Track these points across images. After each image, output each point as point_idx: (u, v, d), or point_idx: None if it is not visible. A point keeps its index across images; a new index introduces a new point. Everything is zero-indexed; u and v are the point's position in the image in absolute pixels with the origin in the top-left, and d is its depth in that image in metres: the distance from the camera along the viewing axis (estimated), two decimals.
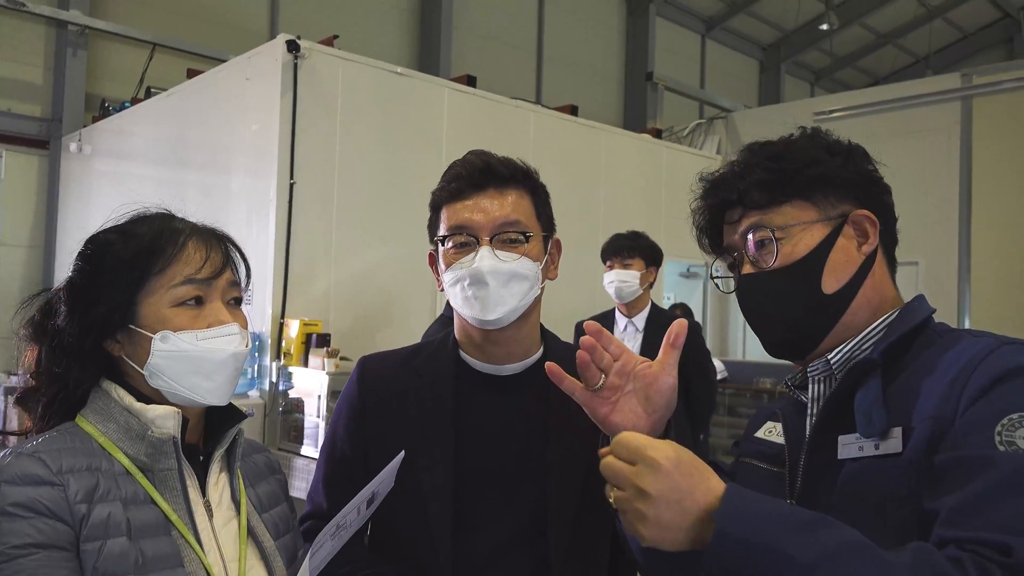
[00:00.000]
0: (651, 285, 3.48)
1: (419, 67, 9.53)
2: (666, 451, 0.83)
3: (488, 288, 1.23)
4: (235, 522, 1.11)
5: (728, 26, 14.89)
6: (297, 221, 4.91)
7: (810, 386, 1.05)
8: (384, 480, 1.10)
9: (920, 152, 6.61)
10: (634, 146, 7.36)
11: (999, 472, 0.79)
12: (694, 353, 3.42)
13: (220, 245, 1.12)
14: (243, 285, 1.14)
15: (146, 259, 1.06)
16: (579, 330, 3.69)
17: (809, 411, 1.05)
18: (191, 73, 6.60)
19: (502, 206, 1.28)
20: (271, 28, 9.01)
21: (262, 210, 4.97)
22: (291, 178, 4.94)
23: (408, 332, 5.46)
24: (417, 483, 1.26)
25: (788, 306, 1.04)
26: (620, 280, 3.40)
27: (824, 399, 1.03)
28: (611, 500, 0.85)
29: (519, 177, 1.31)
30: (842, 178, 1.05)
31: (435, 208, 1.35)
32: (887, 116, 6.85)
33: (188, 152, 5.96)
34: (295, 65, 4.92)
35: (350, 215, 5.22)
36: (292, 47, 4.86)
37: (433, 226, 1.36)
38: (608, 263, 3.49)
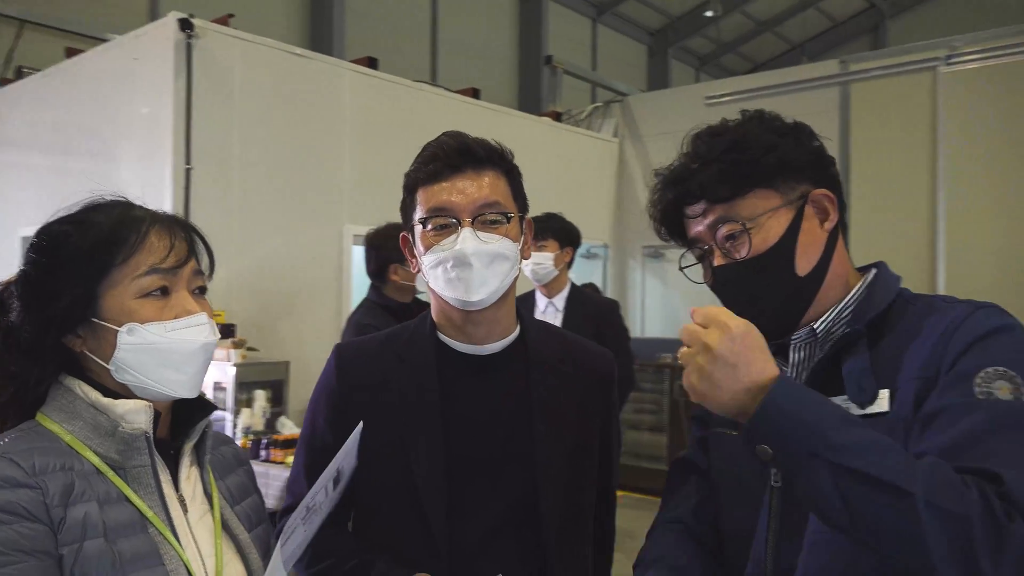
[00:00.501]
0: (568, 265, 3.54)
1: (312, 49, 9.28)
2: (738, 322, 0.90)
3: (472, 269, 1.23)
4: (209, 516, 1.08)
5: (618, 11, 15.20)
6: (195, 208, 4.71)
7: (792, 353, 1.10)
8: (347, 456, 1.09)
9: None
10: (536, 129, 7.44)
11: (981, 416, 0.87)
12: (614, 331, 3.52)
13: (183, 233, 1.07)
14: (206, 274, 1.10)
15: (108, 249, 1.01)
16: None
17: (792, 374, 1.10)
18: (70, 52, 6.19)
19: (480, 187, 1.27)
20: (152, 6, 8.56)
21: (157, 198, 4.74)
22: (187, 163, 4.74)
23: (314, 320, 5.36)
24: (408, 472, 1.25)
25: (768, 293, 1.08)
26: (535, 262, 3.43)
27: (811, 365, 1.08)
28: (679, 359, 0.93)
29: (495, 159, 1.31)
30: (797, 160, 1.09)
31: (410, 190, 1.33)
32: (773, 100, 7.18)
33: (71, 138, 5.61)
34: (188, 45, 4.71)
35: (251, 201, 5.06)
36: (185, 26, 4.65)
37: (408, 208, 1.34)
38: None
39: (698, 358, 0.90)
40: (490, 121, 6.86)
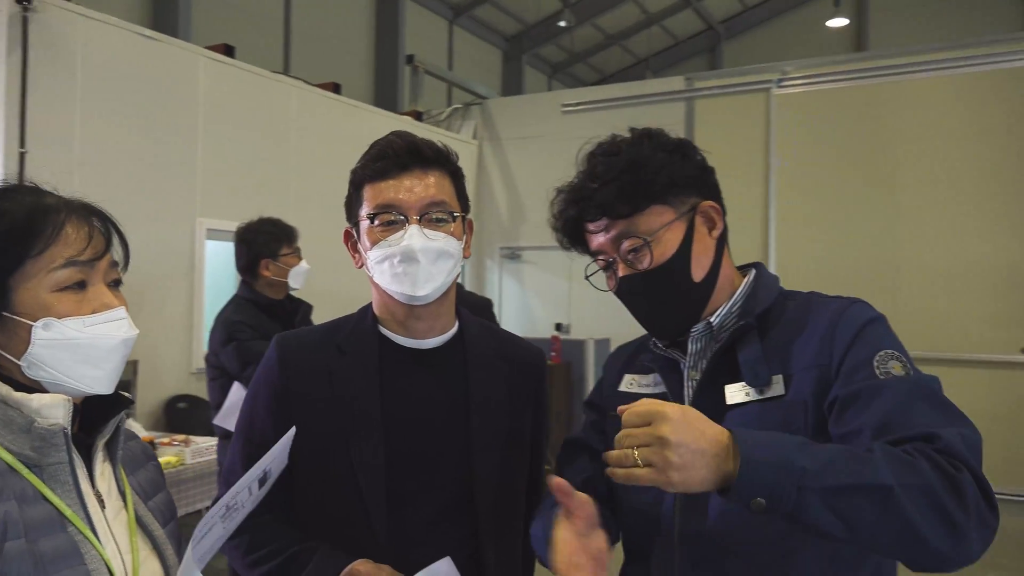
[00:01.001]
0: None
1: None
2: (671, 406, 0.93)
3: (419, 265, 1.26)
4: (124, 513, 1.05)
5: (475, 15, 15.38)
6: None
7: (689, 344, 1.22)
8: (277, 457, 1.09)
9: None
10: (396, 128, 7.41)
11: (892, 392, 1.00)
12: None
13: (100, 223, 1.04)
14: (121, 265, 1.07)
15: (22, 240, 0.96)
16: None
17: (687, 365, 1.22)
18: None
19: (427, 187, 1.30)
20: None
21: None
22: (21, 147, 4.37)
23: (164, 318, 5.09)
24: (348, 462, 1.26)
25: (670, 299, 1.20)
26: None
27: (709, 355, 1.19)
28: (637, 460, 0.91)
29: (441, 160, 1.34)
30: (685, 176, 1.21)
31: (356, 186, 1.34)
32: (624, 111, 7.55)
33: None
34: (24, 19, 4.35)
35: (93, 191, 4.56)
36: None
37: (353, 204, 1.35)
38: None
39: (664, 452, 0.89)
40: (351, 117, 6.77)
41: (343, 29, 12.57)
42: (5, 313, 0.96)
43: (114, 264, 1.05)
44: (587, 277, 1.28)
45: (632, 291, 1.21)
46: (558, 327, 7.66)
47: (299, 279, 3.19)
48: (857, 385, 1.03)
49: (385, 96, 12.52)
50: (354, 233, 1.37)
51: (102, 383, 1.00)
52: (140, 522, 1.06)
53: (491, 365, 1.40)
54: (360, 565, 1.21)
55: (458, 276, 1.36)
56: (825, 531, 0.90)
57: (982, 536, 0.89)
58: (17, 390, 0.96)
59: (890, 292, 5.96)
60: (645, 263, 1.18)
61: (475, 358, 1.39)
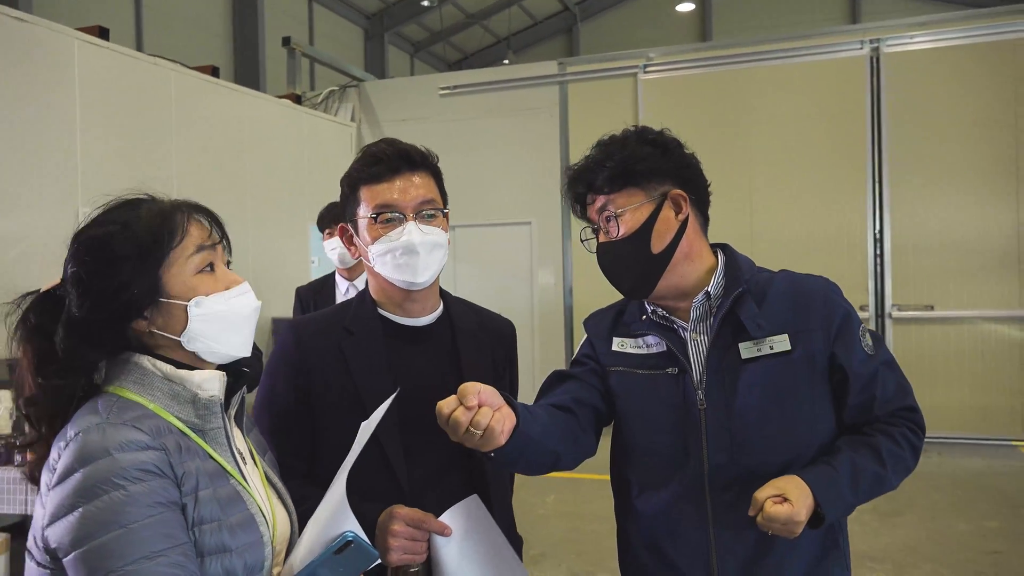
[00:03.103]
0: None
1: None
2: (799, 509, 1.29)
3: (419, 256, 1.47)
4: (255, 468, 1.24)
5: None
6: None
7: (692, 311, 1.48)
8: (379, 418, 1.28)
9: (529, 127, 7.75)
10: (276, 111, 7.36)
11: (882, 377, 1.45)
12: None
13: (207, 216, 1.21)
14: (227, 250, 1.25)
15: (162, 236, 1.13)
16: (296, 295, 3.82)
17: (691, 328, 1.48)
18: None
19: (418, 187, 1.51)
20: None
21: None
22: None
23: None
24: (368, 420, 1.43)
25: (630, 263, 1.47)
26: (343, 247, 3.58)
27: (717, 319, 1.45)
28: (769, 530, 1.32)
29: (426, 163, 1.55)
30: (661, 167, 1.47)
31: (352, 188, 1.54)
32: (501, 95, 7.85)
33: None
34: None
35: None
36: None
37: (350, 203, 1.55)
38: (328, 231, 3.68)
39: (794, 529, 1.30)
40: (229, 100, 6.68)
41: (197, 3, 12.08)
42: (162, 299, 1.13)
43: (226, 248, 1.24)
44: (582, 241, 1.59)
45: (603, 254, 1.52)
46: None
47: None
48: (864, 365, 1.45)
49: (247, 75, 12.17)
50: (350, 229, 1.58)
51: (243, 347, 1.21)
52: (267, 477, 1.27)
53: (475, 336, 1.64)
54: (398, 508, 1.41)
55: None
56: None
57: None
58: (178, 367, 1.14)
59: None
60: (614, 233, 1.48)
61: (461, 331, 1.63)
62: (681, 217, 1.49)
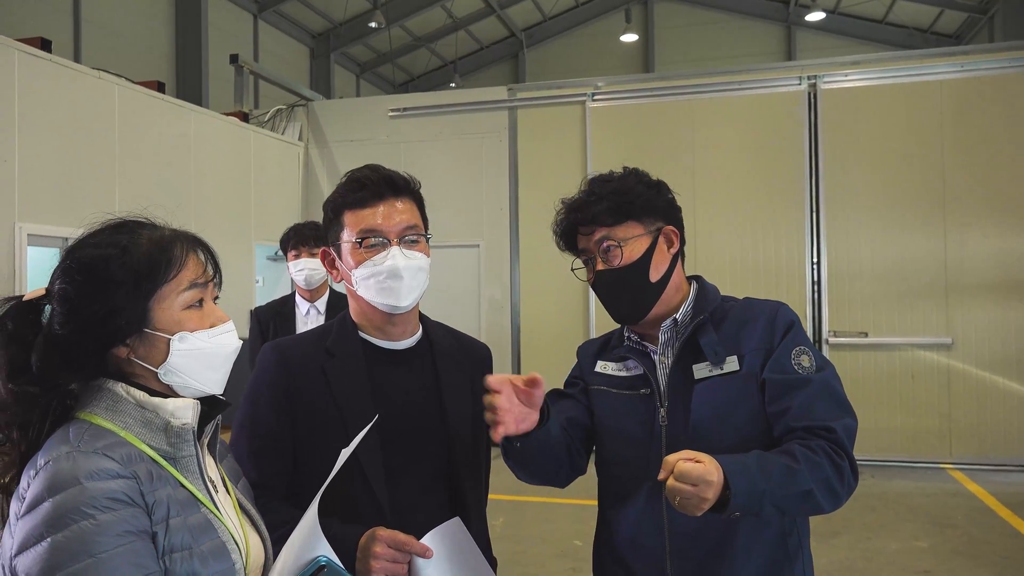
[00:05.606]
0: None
1: None
2: (711, 469, 1.27)
3: (403, 280, 1.50)
4: (227, 496, 1.22)
5: (280, 10, 15.06)
6: None
7: (660, 335, 1.59)
8: (360, 440, 1.29)
9: (479, 150, 7.82)
10: (224, 128, 7.26)
11: (808, 390, 1.46)
12: None
13: (204, 251, 1.20)
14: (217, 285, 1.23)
15: (157, 269, 1.12)
16: (252, 316, 3.76)
17: (657, 352, 1.60)
18: None
19: (401, 212, 1.53)
20: None
21: None
22: None
23: None
24: (349, 444, 1.43)
25: (630, 291, 1.57)
26: (310, 268, 3.62)
27: (677, 344, 1.57)
28: (676, 504, 1.29)
29: (409, 189, 1.58)
30: (656, 205, 1.59)
31: (336, 212, 1.55)
32: (451, 118, 7.90)
33: None
34: None
35: None
36: None
37: (334, 228, 1.56)
38: (293, 252, 3.66)
39: (701, 505, 1.27)
40: (175, 117, 6.57)
41: (138, 19, 11.87)
42: (147, 330, 1.12)
43: (217, 284, 1.23)
44: (573, 270, 1.67)
45: (603, 281, 1.60)
46: None
47: None
48: (784, 376, 1.49)
49: (189, 91, 11.98)
50: (332, 252, 1.59)
51: (219, 384, 1.20)
52: (240, 504, 1.26)
53: (453, 359, 1.67)
54: (379, 530, 1.41)
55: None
56: (769, 516, 1.42)
57: (848, 495, 1.45)
58: (151, 395, 1.12)
59: None
60: (616, 262, 1.57)
61: (441, 354, 1.65)
62: (673, 251, 1.62)
